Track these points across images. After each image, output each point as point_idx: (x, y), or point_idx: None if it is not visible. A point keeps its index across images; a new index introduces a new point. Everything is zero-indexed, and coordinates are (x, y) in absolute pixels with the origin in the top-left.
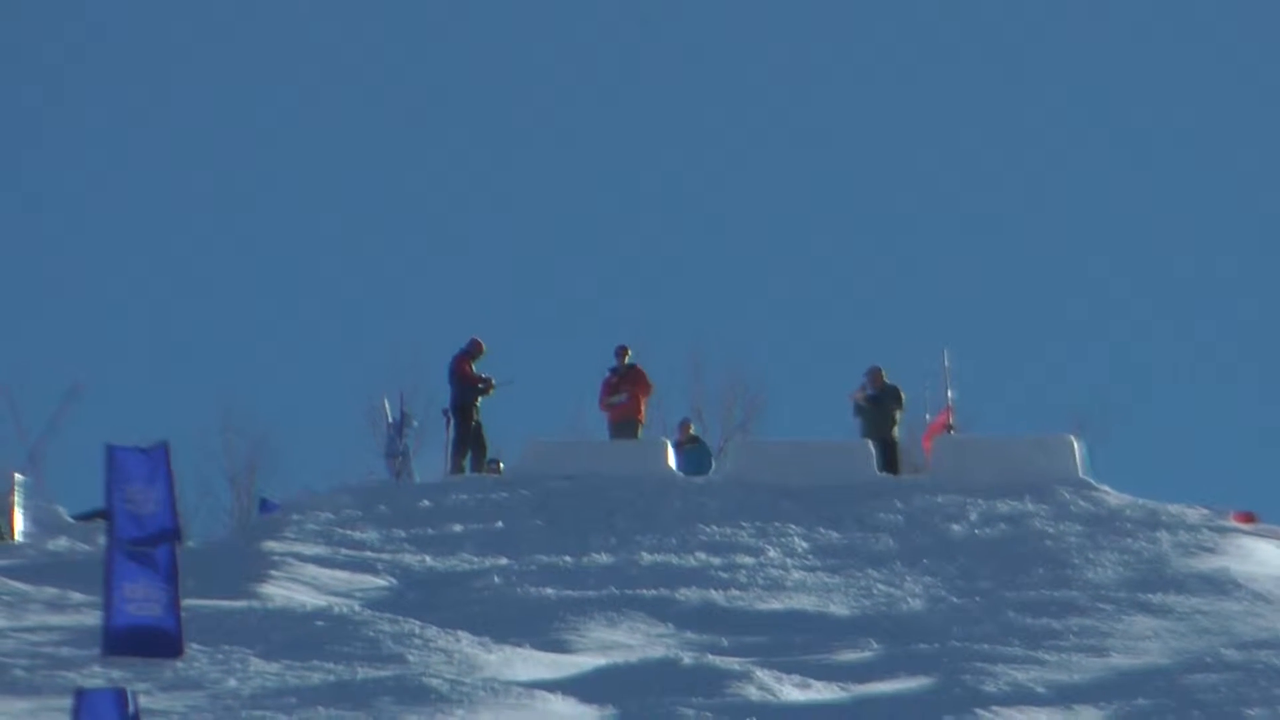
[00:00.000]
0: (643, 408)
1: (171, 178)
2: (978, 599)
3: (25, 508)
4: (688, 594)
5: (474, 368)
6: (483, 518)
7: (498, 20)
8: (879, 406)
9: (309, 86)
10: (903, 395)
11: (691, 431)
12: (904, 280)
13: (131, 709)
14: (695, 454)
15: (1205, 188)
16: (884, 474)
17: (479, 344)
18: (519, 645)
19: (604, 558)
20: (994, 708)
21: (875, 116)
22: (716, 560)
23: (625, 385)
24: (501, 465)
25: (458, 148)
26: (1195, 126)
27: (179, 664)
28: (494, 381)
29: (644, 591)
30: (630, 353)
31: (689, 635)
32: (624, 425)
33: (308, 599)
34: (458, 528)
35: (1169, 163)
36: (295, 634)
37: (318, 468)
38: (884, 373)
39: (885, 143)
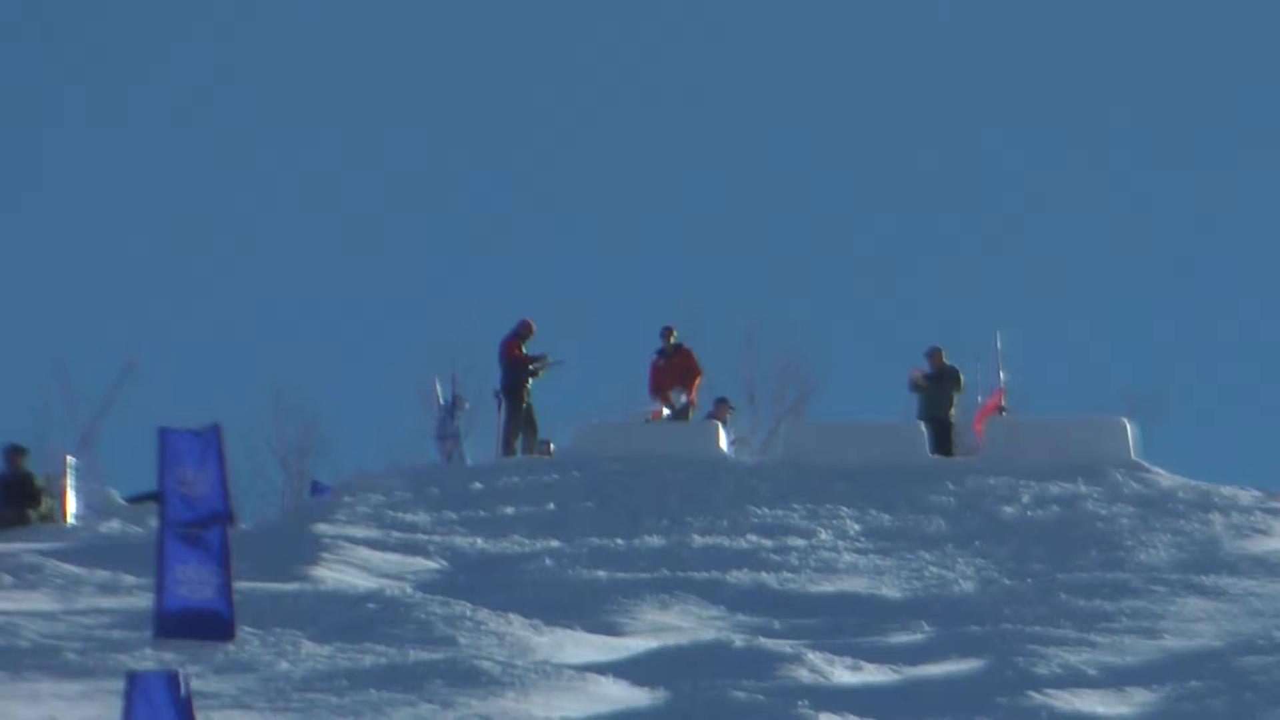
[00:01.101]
0: (695, 392)
1: (225, 157)
2: (1030, 581)
3: (77, 490)
4: (739, 576)
5: (524, 349)
6: (534, 500)
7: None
8: (938, 386)
9: (362, 64)
10: (962, 377)
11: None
12: (957, 261)
13: (183, 692)
14: None
15: (1261, 166)
16: (936, 456)
17: (529, 325)
18: (570, 628)
19: (655, 540)
20: (1046, 690)
21: (932, 94)
22: (768, 542)
23: (677, 375)
24: (552, 447)
25: (508, 126)
26: (1253, 103)
27: (231, 647)
28: (545, 361)
29: (695, 574)
30: (676, 333)
31: (740, 618)
32: (670, 409)
33: (359, 581)
34: (509, 510)
35: (1223, 140)
36: (347, 617)
37: (369, 450)
38: (944, 353)
39: (942, 122)
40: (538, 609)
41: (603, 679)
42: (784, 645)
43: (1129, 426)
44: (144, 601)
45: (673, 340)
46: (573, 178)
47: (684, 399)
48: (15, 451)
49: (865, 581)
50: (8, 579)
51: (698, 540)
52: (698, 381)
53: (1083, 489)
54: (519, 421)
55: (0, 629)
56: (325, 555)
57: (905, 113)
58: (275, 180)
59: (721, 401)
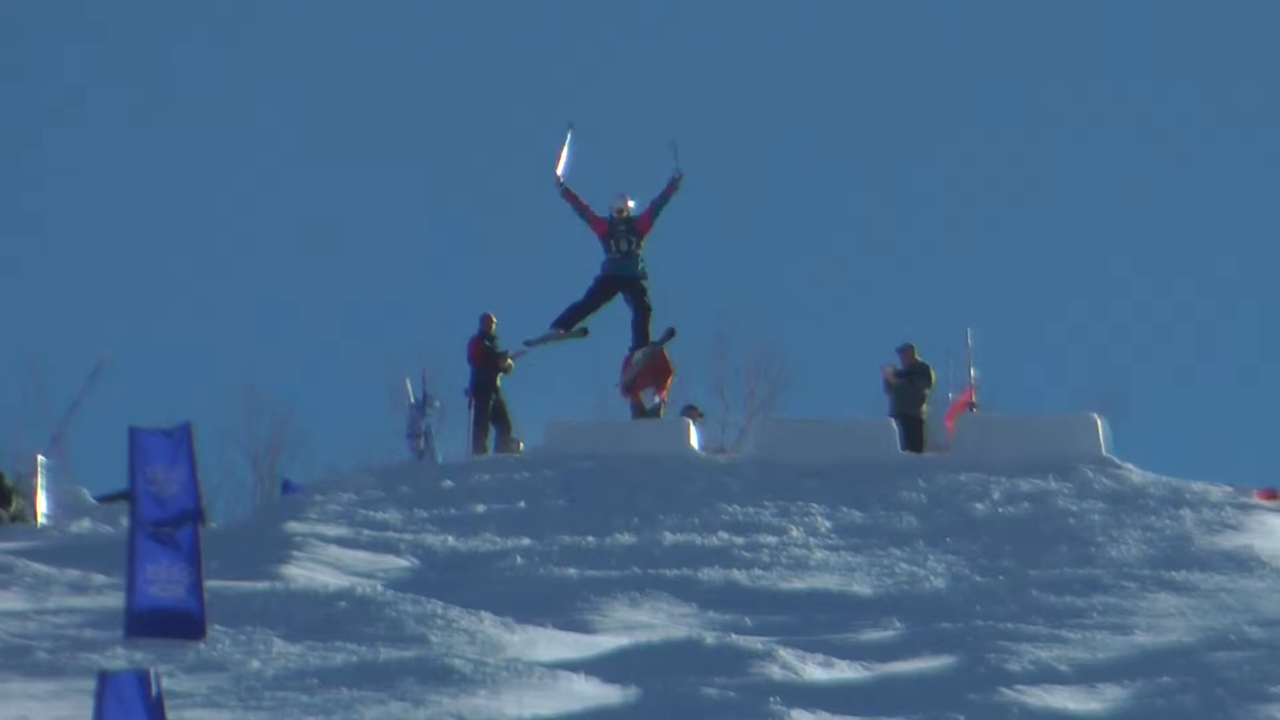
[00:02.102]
0: (666, 391)
1: (196, 156)
2: (1001, 577)
3: (48, 489)
4: (710, 574)
5: (489, 343)
6: (505, 498)
7: None
8: (909, 383)
9: (330, 66)
10: (933, 374)
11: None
12: (927, 259)
13: (155, 691)
14: None
15: (1232, 163)
16: (907, 452)
17: (490, 318)
18: (542, 625)
19: (626, 538)
20: (1018, 686)
21: (904, 91)
22: (739, 540)
23: (650, 373)
24: (521, 445)
25: (478, 124)
26: (1221, 103)
27: (202, 645)
28: (508, 355)
29: (667, 571)
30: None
31: (712, 615)
32: (642, 408)
33: (330, 580)
34: (480, 508)
35: (1194, 139)
36: (318, 615)
37: (340, 448)
38: (916, 350)
39: (912, 119)
40: (509, 607)
41: (574, 677)
42: (755, 642)
43: (1100, 422)
44: (115, 600)
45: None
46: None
47: (656, 399)
48: None
49: (837, 578)
50: None
51: (669, 538)
52: (669, 381)
53: (1053, 485)
54: (488, 419)
55: None
56: (296, 554)
57: (877, 109)
58: (247, 179)
59: (690, 408)
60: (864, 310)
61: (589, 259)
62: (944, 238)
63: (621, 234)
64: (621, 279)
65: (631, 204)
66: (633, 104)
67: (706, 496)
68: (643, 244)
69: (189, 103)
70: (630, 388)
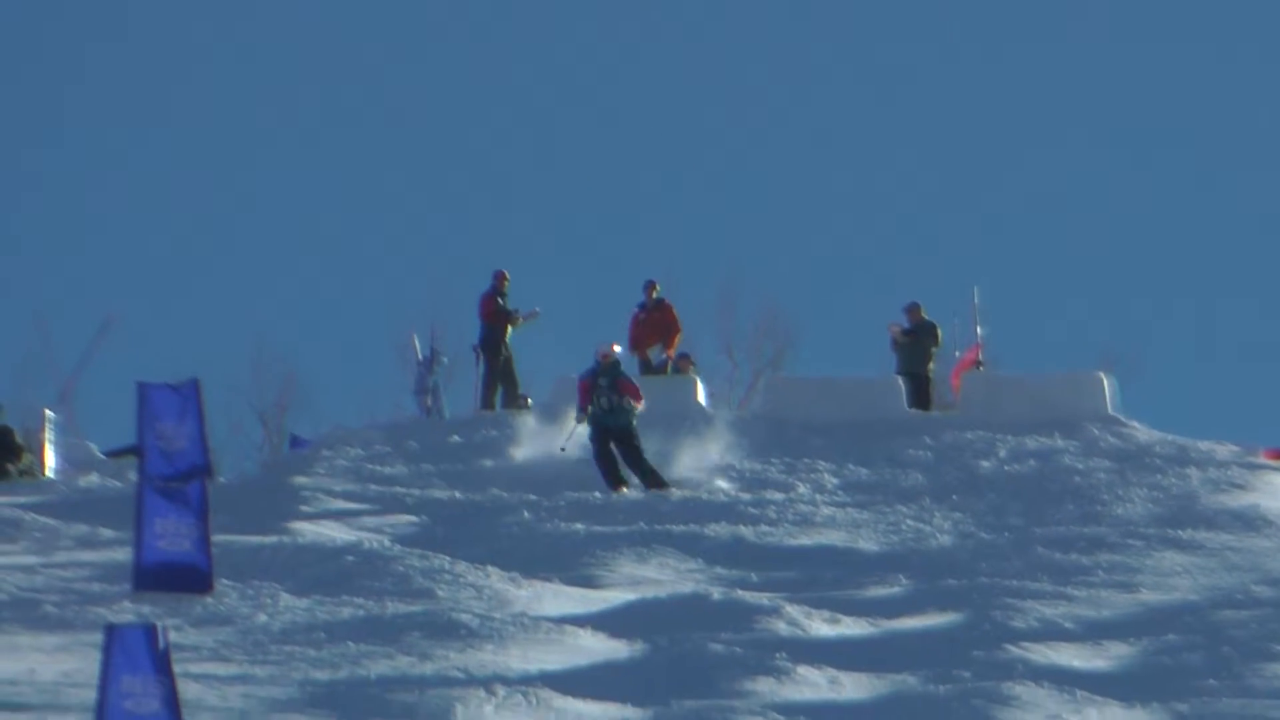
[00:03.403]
0: (674, 349)
1: (205, 113)
2: (1007, 535)
3: (56, 445)
4: (717, 530)
5: (501, 300)
6: (512, 454)
7: None
8: (915, 341)
9: (340, 21)
10: (940, 332)
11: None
12: (936, 216)
13: (162, 644)
14: None
15: (1240, 119)
16: (914, 410)
17: (503, 275)
18: (548, 580)
19: (633, 493)
20: (1023, 644)
21: (911, 50)
22: (746, 496)
23: (658, 330)
24: (530, 401)
25: (489, 81)
26: (1237, 55)
27: (209, 600)
28: (519, 315)
29: (673, 527)
30: (659, 288)
31: (718, 571)
32: (647, 365)
33: (337, 534)
34: (487, 463)
35: (1201, 95)
36: (325, 569)
37: (348, 404)
38: (922, 308)
39: (921, 77)
40: (516, 562)
41: (581, 631)
42: (762, 598)
43: (1106, 381)
44: (123, 555)
45: (655, 295)
46: (552, 132)
47: (663, 356)
48: None
49: (843, 535)
50: None
51: (675, 494)
52: (677, 338)
53: (1060, 443)
54: (497, 375)
55: None
56: (303, 508)
57: (884, 68)
58: (255, 136)
59: (683, 357)
60: (871, 268)
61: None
62: (951, 196)
63: (602, 389)
64: (610, 429)
65: (617, 349)
66: (645, 53)
67: (714, 452)
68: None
69: (194, 60)
70: (637, 344)
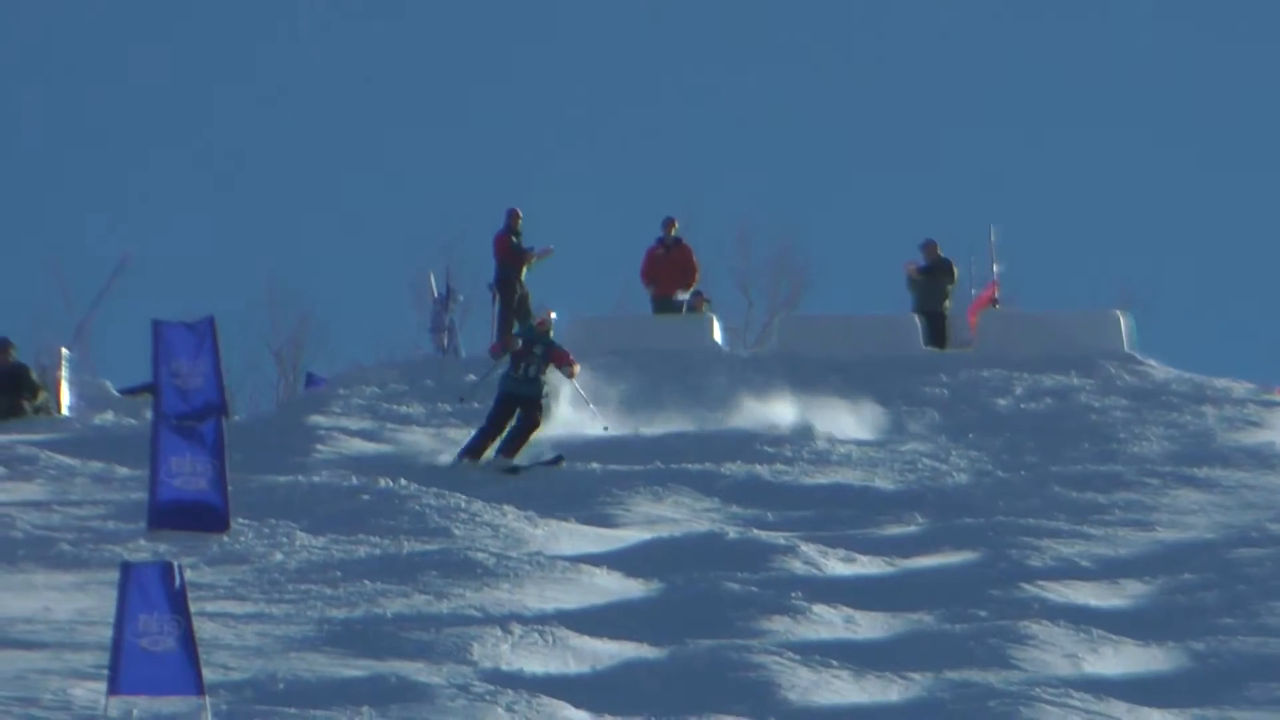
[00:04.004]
0: (689, 291)
1: (218, 49)
2: (1023, 473)
3: (71, 382)
4: (733, 468)
5: (515, 239)
6: None
7: None
8: (931, 279)
9: None
10: (956, 270)
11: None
12: (952, 153)
13: (177, 583)
14: None
15: (1257, 57)
16: (930, 348)
17: (516, 214)
18: (564, 519)
19: (650, 431)
20: (1039, 581)
21: None
22: (762, 434)
23: (675, 269)
24: None
25: (504, 17)
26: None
27: (225, 538)
28: (533, 253)
29: (689, 466)
30: (678, 225)
31: (734, 509)
32: (666, 301)
33: (353, 473)
34: None
35: (1219, 33)
36: (341, 508)
37: (363, 342)
38: (938, 246)
39: (937, 15)
40: (531, 501)
41: (596, 570)
42: (777, 537)
43: (1123, 319)
44: (138, 493)
45: (673, 233)
46: (568, 69)
47: (685, 296)
48: (1, 345)
49: (859, 474)
50: (2, 470)
51: (691, 432)
52: (695, 279)
53: (1076, 381)
54: (512, 314)
55: None
56: (319, 447)
57: (901, 6)
58: (270, 73)
59: (698, 295)
60: (887, 206)
61: (618, 153)
62: (967, 133)
63: (535, 357)
64: (520, 399)
65: (553, 316)
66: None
67: (730, 391)
68: (547, 371)
69: None
70: (652, 279)
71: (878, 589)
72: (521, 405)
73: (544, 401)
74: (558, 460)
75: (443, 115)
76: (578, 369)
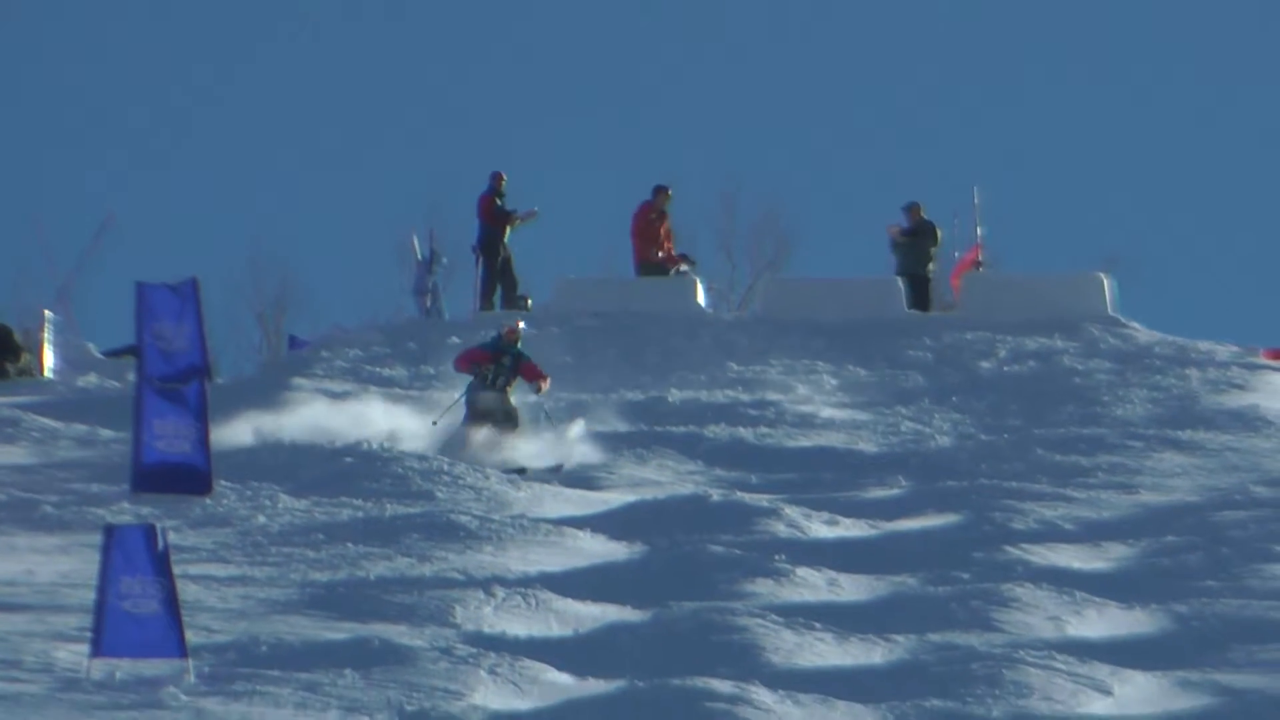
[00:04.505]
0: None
1: (202, 11)
2: (1006, 436)
3: (55, 344)
4: (716, 431)
5: (499, 201)
6: None
7: None
8: (915, 242)
9: None
10: (939, 232)
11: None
12: (936, 116)
13: (160, 545)
14: None
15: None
16: (913, 311)
17: (501, 176)
18: (547, 482)
19: (633, 394)
20: (1022, 544)
21: None
22: (746, 398)
23: (666, 236)
24: (530, 302)
25: None
26: None
27: (208, 501)
28: (517, 215)
29: (673, 428)
30: (670, 195)
31: (718, 472)
32: (651, 266)
33: (337, 435)
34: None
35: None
36: (324, 471)
37: (347, 304)
38: (921, 208)
39: None
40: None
41: (580, 533)
42: (761, 499)
43: (1106, 281)
44: (121, 456)
45: (667, 202)
46: (552, 32)
47: (684, 269)
48: None
49: (842, 436)
50: None
51: (675, 395)
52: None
53: (1060, 344)
54: (496, 276)
55: None
56: (302, 409)
57: None
58: (252, 35)
59: (682, 256)
60: (870, 168)
61: (602, 116)
62: (951, 95)
63: (504, 368)
64: (489, 413)
65: (523, 326)
66: None
67: (713, 354)
68: (514, 384)
69: None
70: (644, 240)
71: (861, 552)
72: (491, 419)
73: (512, 410)
74: (558, 468)
75: (426, 78)
76: (548, 384)
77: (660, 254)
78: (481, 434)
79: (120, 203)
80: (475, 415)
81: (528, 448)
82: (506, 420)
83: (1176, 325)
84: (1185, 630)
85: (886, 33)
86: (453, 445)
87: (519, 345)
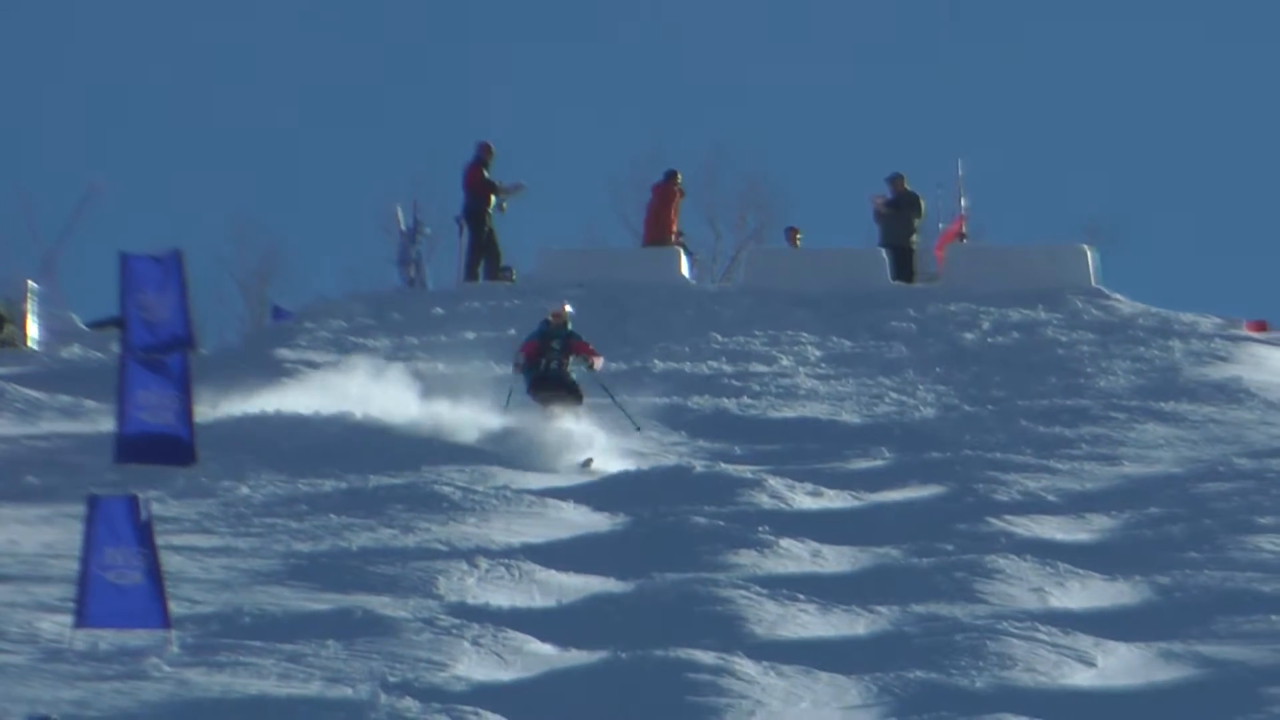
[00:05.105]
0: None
1: None
2: (990, 407)
3: (39, 315)
4: (700, 402)
5: (486, 173)
6: (496, 325)
7: None
8: (898, 213)
9: None
10: (923, 203)
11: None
12: (919, 86)
13: (144, 516)
14: None
15: None
16: (897, 282)
17: (489, 147)
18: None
19: (617, 365)
20: (1005, 516)
21: None
22: (729, 368)
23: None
24: (514, 273)
25: None
26: None
27: (191, 471)
28: (504, 187)
29: (656, 399)
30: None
31: (701, 443)
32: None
33: (320, 406)
34: (470, 335)
35: None
36: (307, 442)
37: (330, 275)
38: (905, 179)
39: None
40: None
41: (563, 504)
42: (744, 471)
43: (1090, 253)
44: (105, 426)
45: (676, 184)
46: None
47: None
48: None
49: (826, 407)
50: None
51: (659, 365)
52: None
53: (1043, 315)
54: (481, 247)
55: None
56: (286, 380)
57: None
58: (237, 5)
59: (679, 234)
60: (854, 139)
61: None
62: (935, 66)
63: (554, 352)
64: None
65: (569, 309)
66: None
67: (697, 325)
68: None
69: None
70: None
71: (844, 523)
72: (557, 400)
73: (574, 385)
74: (588, 463)
75: (411, 48)
76: (600, 361)
77: (670, 235)
78: (550, 414)
79: (104, 173)
80: (541, 401)
81: (587, 431)
82: (570, 396)
83: (1159, 297)
84: (1168, 601)
85: (871, 3)
86: (526, 444)
87: (568, 326)
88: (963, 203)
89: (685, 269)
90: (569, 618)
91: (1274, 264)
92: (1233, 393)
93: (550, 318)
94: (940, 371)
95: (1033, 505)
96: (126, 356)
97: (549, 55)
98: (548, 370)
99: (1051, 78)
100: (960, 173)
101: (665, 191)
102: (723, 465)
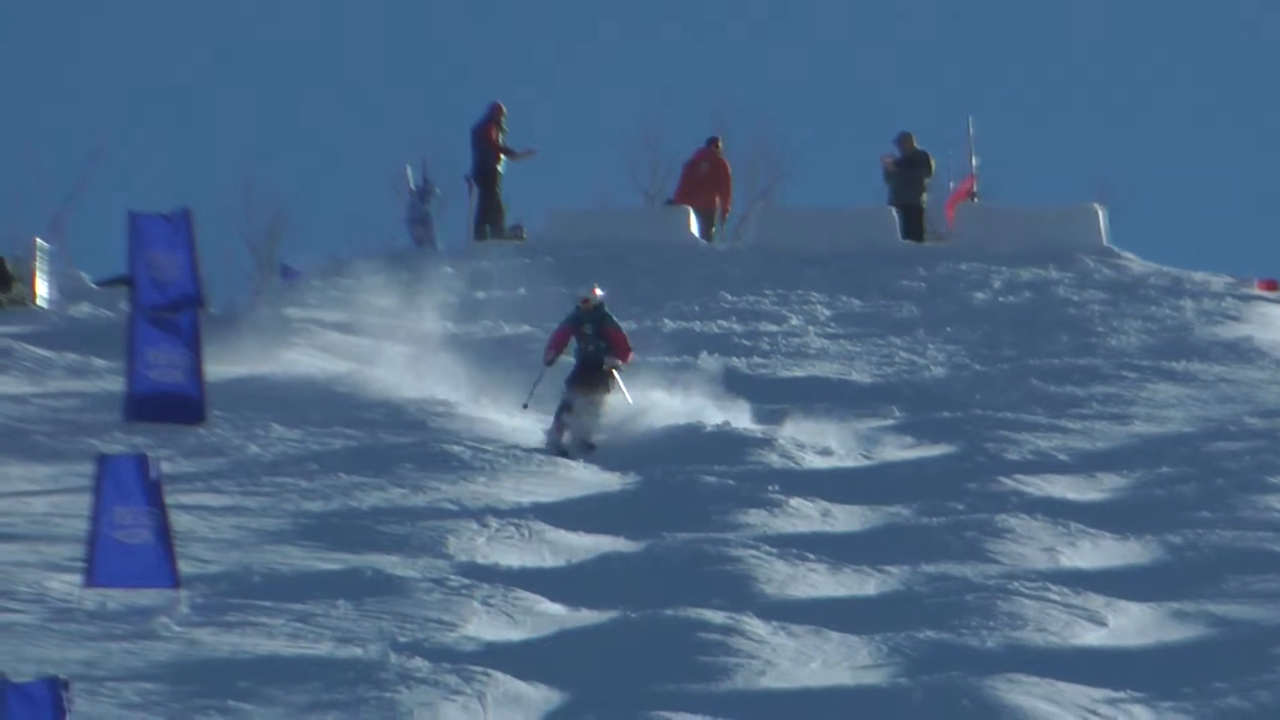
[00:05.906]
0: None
1: None
2: (1001, 366)
3: (47, 274)
4: (710, 361)
5: (500, 135)
6: (505, 284)
7: None
8: (908, 172)
9: None
10: (933, 162)
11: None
12: (930, 44)
13: (153, 474)
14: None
15: None
16: (907, 241)
17: (500, 107)
18: (542, 413)
19: (627, 324)
20: (1016, 475)
21: None
22: (739, 328)
23: (714, 184)
24: (524, 232)
25: None
26: None
27: (201, 430)
28: (516, 153)
29: (666, 358)
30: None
31: (711, 402)
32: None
33: (329, 365)
34: (480, 294)
35: None
36: (317, 400)
37: (340, 234)
38: (914, 138)
39: None
40: (508, 394)
41: (573, 464)
42: (755, 430)
43: (1100, 212)
44: (114, 385)
45: (719, 152)
46: None
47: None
48: None
49: (836, 367)
50: None
51: (669, 325)
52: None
53: (1054, 275)
54: (491, 206)
55: None
56: (295, 339)
57: None
58: None
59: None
60: (864, 97)
61: (594, 45)
62: (946, 23)
63: (588, 337)
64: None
65: (599, 293)
66: None
67: (707, 284)
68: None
69: None
70: (692, 194)
71: (854, 482)
72: (591, 390)
73: (608, 376)
74: (592, 447)
75: (420, 6)
76: (632, 358)
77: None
78: (578, 406)
79: (113, 130)
80: (570, 397)
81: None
82: (602, 385)
83: (1171, 256)
84: (1179, 561)
85: None
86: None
87: (604, 308)
88: (973, 162)
89: (695, 228)
90: (579, 577)
91: None
92: (1244, 352)
93: (580, 304)
94: (951, 331)
95: (1044, 464)
96: (136, 315)
97: (556, 12)
98: (587, 356)
99: (1062, 36)
100: (971, 131)
101: (709, 156)
102: (732, 424)
